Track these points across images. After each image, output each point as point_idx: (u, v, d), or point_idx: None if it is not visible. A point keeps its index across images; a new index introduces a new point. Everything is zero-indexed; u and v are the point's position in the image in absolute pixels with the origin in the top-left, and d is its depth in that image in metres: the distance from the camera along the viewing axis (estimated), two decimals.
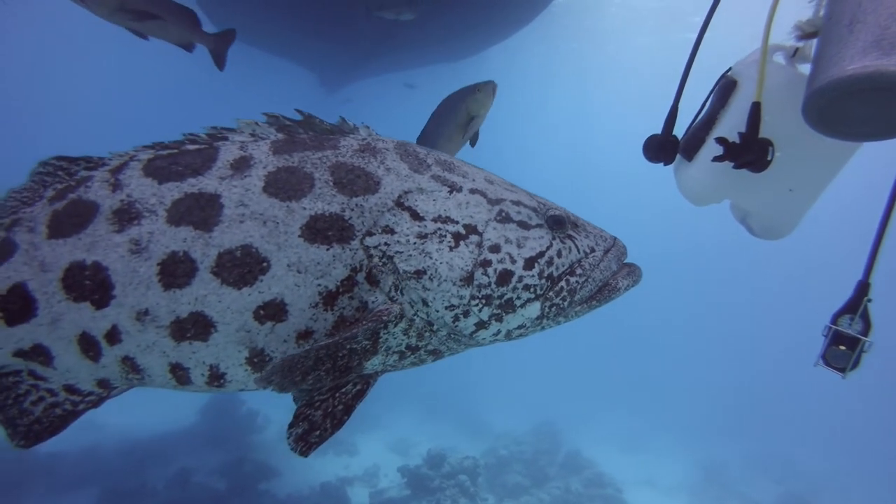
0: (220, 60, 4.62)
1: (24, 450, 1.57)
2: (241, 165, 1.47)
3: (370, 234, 1.41)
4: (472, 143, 3.88)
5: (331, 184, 1.43)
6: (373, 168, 1.47)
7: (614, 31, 18.36)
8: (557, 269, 1.46)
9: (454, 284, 1.39)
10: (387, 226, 1.41)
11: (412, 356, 1.51)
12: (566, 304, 1.47)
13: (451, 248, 1.40)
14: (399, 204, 1.43)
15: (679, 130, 2.07)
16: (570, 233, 1.52)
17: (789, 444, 12.70)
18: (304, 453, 1.50)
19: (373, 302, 1.41)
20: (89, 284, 1.42)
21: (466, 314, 1.42)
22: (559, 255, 1.47)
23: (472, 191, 1.49)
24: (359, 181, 1.44)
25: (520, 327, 1.48)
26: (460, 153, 3.91)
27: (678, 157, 2.08)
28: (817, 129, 1.55)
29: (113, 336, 1.43)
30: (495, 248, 1.42)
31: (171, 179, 1.46)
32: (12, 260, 1.47)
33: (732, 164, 1.78)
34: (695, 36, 2.04)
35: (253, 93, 17.29)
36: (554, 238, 1.48)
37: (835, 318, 1.85)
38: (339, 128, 1.57)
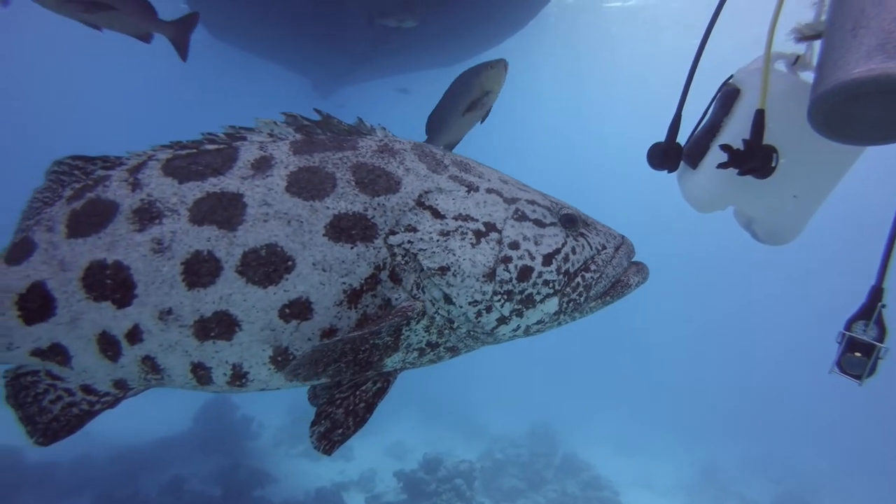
0: (181, 49, 4.26)
1: (43, 447, 1.58)
2: (263, 165, 1.48)
3: (393, 232, 1.43)
4: (482, 120, 3.99)
5: (353, 184, 1.46)
6: (393, 168, 1.50)
7: (610, 36, 18.45)
8: (573, 265, 1.49)
9: (477, 280, 1.41)
10: (409, 224, 1.44)
11: (431, 353, 1.53)
12: (582, 299, 1.50)
13: (472, 245, 1.43)
14: (420, 203, 1.46)
15: (680, 138, 2.08)
16: (582, 231, 1.55)
17: (787, 445, 12.74)
18: (328, 451, 1.51)
19: (396, 299, 1.43)
20: (110, 283, 1.43)
21: (489, 309, 1.44)
22: (574, 251, 1.50)
23: (489, 190, 1.52)
24: (380, 181, 1.47)
25: (538, 322, 1.50)
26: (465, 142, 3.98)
27: (682, 164, 2.10)
28: (823, 133, 1.56)
29: (134, 335, 1.44)
30: (514, 245, 1.45)
31: (191, 179, 1.48)
32: (31, 259, 1.49)
33: (737, 170, 1.79)
34: (694, 39, 2.05)
35: (245, 97, 17.22)
36: (568, 236, 1.51)
37: (849, 325, 1.82)
38: (357, 129, 1.60)
